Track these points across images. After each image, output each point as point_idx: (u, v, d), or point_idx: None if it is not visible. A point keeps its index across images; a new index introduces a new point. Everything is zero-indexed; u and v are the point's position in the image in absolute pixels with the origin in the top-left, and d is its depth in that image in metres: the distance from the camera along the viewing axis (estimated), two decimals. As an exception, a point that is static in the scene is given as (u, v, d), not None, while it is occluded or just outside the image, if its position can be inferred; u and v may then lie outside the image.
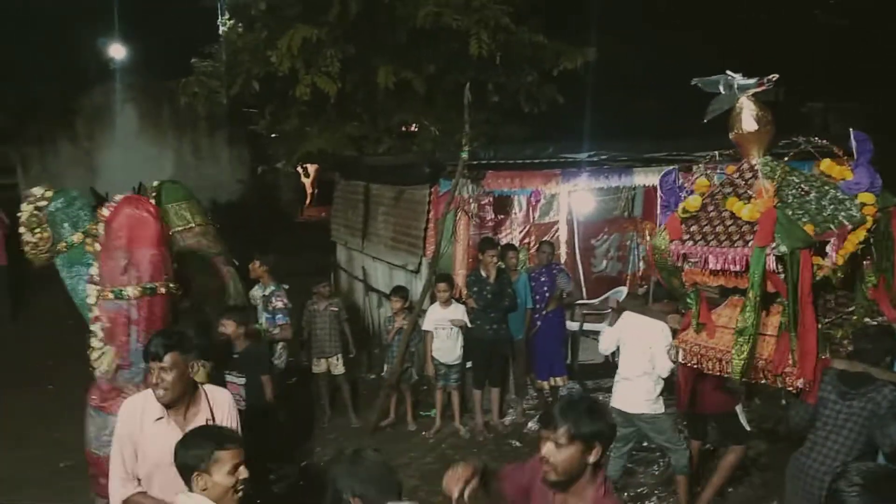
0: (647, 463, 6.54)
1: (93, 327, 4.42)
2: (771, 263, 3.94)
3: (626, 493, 6.08)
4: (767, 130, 4.30)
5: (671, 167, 5.24)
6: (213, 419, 3.35)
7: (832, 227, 3.94)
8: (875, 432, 3.94)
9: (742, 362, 4.10)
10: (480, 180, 7.94)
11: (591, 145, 8.12)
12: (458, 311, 7.31)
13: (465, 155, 7.40)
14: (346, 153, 10.76)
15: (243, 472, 2.86)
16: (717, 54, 10.93)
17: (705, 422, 5.96)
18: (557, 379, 7.89)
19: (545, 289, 7.85)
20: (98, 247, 4.39)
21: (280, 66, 9.30)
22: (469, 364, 7.56)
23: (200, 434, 2.92)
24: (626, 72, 12.47)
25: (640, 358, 5.59)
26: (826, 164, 4.25)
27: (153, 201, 5.35)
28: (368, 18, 9.58)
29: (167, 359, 3.25)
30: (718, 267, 4.16)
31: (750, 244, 3.97)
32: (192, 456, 2.80)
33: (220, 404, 3.46)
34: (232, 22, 11.55)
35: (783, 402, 5.69)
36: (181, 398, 3.33)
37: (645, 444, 6.42)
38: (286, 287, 7.29)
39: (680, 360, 4.64)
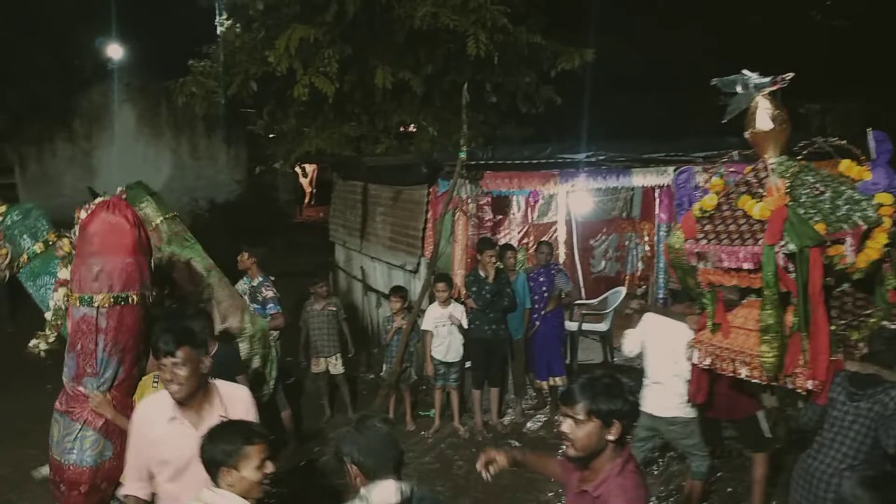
0: (645, 463, 6.53)
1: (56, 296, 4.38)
2: (780, 261, 3.94)
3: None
4: (783, 129, 4.30)
5: (685, 166, 5.23)
6: (227, 416, 3.29)
7: (846, 226, 3.94)
8: (880, 433, 3.91)
9: (773, 360, 4.08)
10: (479, 180, 7.95)
11: (590, 146, 8.13)
12: (456, 311, 7.32)
13: (463, 155, 7.41)
14: (344, 153, 10.76)
15: (270, 467, 2.86)
16: (715, 55, 10.96)
17: (719, 427, 5.89)
18: (556, 379, 7.88)
19: (544, 289, 7.85)
20: (68, 249, 4.32)
21: (278, 67, 9.29)
22: (468, 364, 7.57)
23: (228, 429, 2.89)
24: (625, 72, 12.49)
25: (665, 360, 5.45)
26: (845, 165, 4.23)
27: (125, 198, 5.31)
28: (366, 19, 9.58)
29: (180, 354, 3.19)
30: (731, 265, 4.18)
31: (760, 242, 3.97)
32: (219, 451, 2.77)
33: (235, 401, 3.41)
34: (230, 22, 11.53)
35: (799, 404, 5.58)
36: (194, 395, 3.28)
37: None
38: (272, 278, 7.26)
39: (695, 360, 4.65)
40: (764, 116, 4.28)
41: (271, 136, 12.51)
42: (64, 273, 4.32)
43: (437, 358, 7.32)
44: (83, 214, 4.26)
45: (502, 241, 9.73)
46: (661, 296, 8.81)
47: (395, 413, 7.72)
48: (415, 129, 11.03)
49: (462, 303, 7.47)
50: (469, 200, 7.97)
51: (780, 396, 5.49)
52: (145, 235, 4.28)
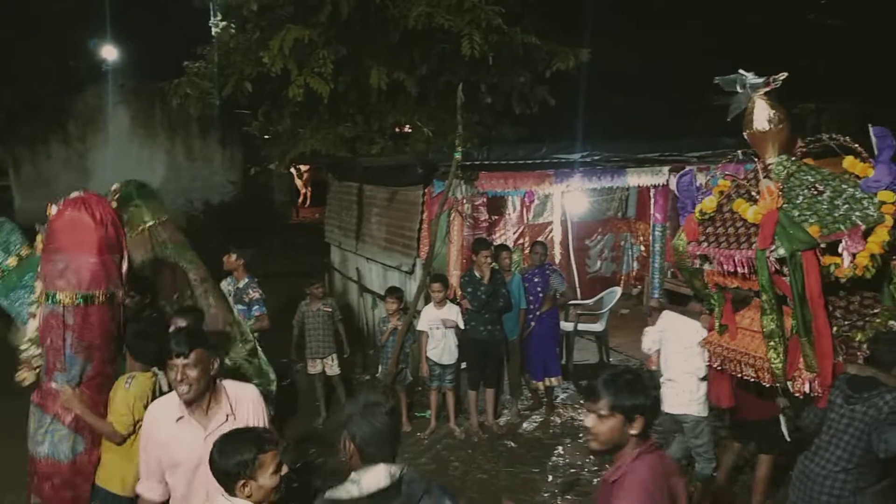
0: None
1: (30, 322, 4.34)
2: (773, 266, 3.93)
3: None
4: (780, 129, 4.28)
5: (688, 168, 5.22)
6: (234, 415, 3.32)
7: (843, 227, 3.88)
8: (873, 437, 3.88)
9: (780, 365, 4.07)
10: (474, 181, 7.95)
11: (585, 146, 8.14)
12: (452, 312, 7.30)
13: (458, 155, 7.40)
14: (339, 154, 10.75)
15: (284, 469, 2.87)
16: (710, 55, 10.97)
17: (744, 426, 5.90)
18: (552, 379, 7.88)
19: (538, 289, 7.84)
20: (40, 246, 4.30)
21: (272, 67, 9.26)
22: (464, 365, 7.56)
23: (238, 439, 2.86)
24: (619, 72, 12.48)
25: (679, 358, 5.51)
26: (849, 162, 4.21)
27: (118, 197, 5.27)
28: (360, 19, 9.55)
29: (192, 355, 3.20)
30: (728, 269, 4.18)
31: (754, 247, 3.97)
32: (234, 464, 2.75)
33: (243, 400, 3.41)
34: (224, 23, 11.50)
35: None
36: (204, 395, 3.29)
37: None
38: (258, 280, 7.22)
39: (705, 360, 4.67)
40: (761, 117, 4.28)
41: (266, 137, 12.48)
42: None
43: (433, 359, 7.31)
44: (53, 210, 4.20)
45: (498, 242, 9.74)
46: (656, 296, 8.81)
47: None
48: (410, 130, 11.01)
49: (458, 303, 7.46)
50: (464, 201, 7.98)
51: (790, 399, 5.47)
52: (114, 234, 4.20)
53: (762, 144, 4.35)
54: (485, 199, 8.64)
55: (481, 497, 6.15)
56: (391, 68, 9.72)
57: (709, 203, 4.42)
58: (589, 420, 2.84)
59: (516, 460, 6.86)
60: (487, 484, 6.40)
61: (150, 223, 5.34)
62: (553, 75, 10.41)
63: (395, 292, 7.71)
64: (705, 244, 4.36)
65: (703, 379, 5.41)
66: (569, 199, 11.19)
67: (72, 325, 4.08)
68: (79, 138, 19.16)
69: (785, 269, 3.90)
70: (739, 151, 4.59)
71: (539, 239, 10.43)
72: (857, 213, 3.94)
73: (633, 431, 2.77)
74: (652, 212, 9.13)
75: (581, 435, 7.28)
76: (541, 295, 7.86)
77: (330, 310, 7.73)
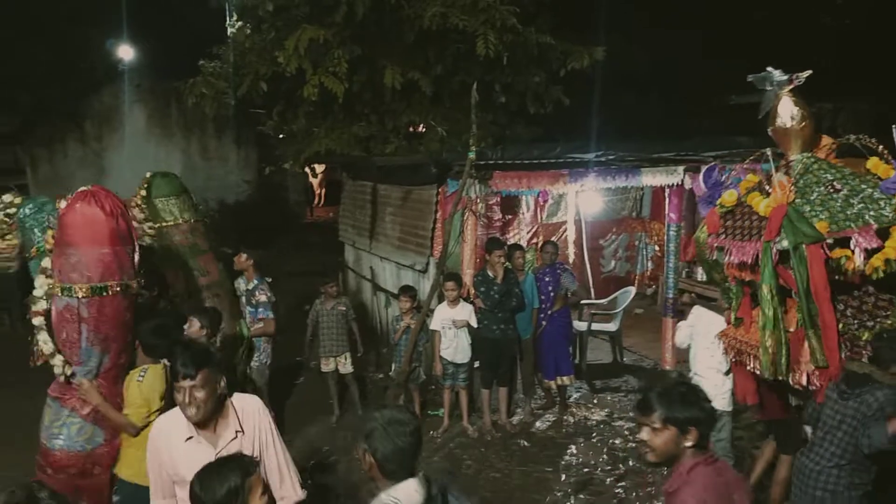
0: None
1: (35, 321, 4.37)
2: (776, 258, 3.98)
3: (637, 493, 6.08)
4: (804, 126, 4.36)
5: (712, 163, 5.30)
6: (243, 431, 3.27)
7: (853, 225, 3.92)
8: (859, 432, 3.89)
9: (768, 357, 4.11)
10: (488, 180, 7.95)
11: (599, 145, 8.13)
12: (465, 311, 7.31)
13: (472, 155, 7.41)
14: (353, 153, 10.79)
15: (265, 489, 2.84)
16: (726, 55, 10.93)
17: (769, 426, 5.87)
18: (564, 378, 7.88)
19: (550, 288, 7.84)
20: (52, 242, 4.35)
21: (287, 67, 9.31)
22: (477, 364, 7.57)
23: (220, 469, 2.75)
24: (633, 72, 12.46)
25: (706, 353, 5.59)
26: (872, 163, 4.24)
27: (142, 193, 5.34)
28: (375, 19, 9.59)
29: (199, 377, 3.13)
30: (737, 260, 4.26)
31: (762, 239, 4.02)
32: (224, 495, 2.66)
33: (250, 413, 3.35)
34: (240, 23, 11.57)
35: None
36: (213, 415, 3.23)
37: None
38: (269, 280, 7.25)
39: (721, 353, 4.72)
40: (785, 113, 4.37)
41: (281, 136, 12.54)
42: (46, 262, 4.34)
43: (446, 358, 7.32)
44: (63, 204, 4.26)
45: (511, 241, 9.74)
46: (670, 296, 8.80)
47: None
48: (424, 130, 11.04)
49: (471, 303, 7.47)
50: (478, 200, 7.98)
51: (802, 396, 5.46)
52: (125, 225, 4.26)
53: (785, 140, 4.43)
54: (499, 199, 8.63)
55: (494, 496, 6.17)
56: (406, 68, 9.75)
57: (729, 197, 4.50)
58: (643, 433, 2.86)
59: (529, 459, 6.87)
60: (500, 483, 6.41)
61: (169, 223, 5.41)
62: (567, 74, 10.41)
63: (408, 291, 7.72)
64: (723, 236, 4.47)
65: (727, 374, 5.48)
66: (583, 198, 11.18)
67: (87, 318, 4.13)
68: (95, 137, 19.30)
69: (789, 262, 3.95)
70: (769, 150, 4.62)
71: (552, 238, 10.42)
72: (871, 213, 3.96)
73: (687, 444, 2.78)
74: (667, 211, 9.12)
75: (594, 434, 7.28)
76: (552, 294, 7.85)
77: (344, 308, 7.76)
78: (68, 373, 4.22)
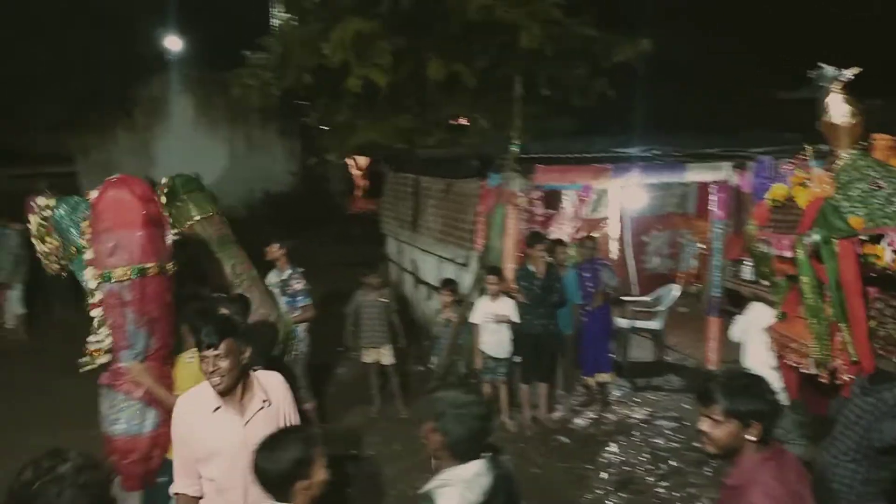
0: (696, 463, 6.44)
1: (93, 313, 4.43)
2: (809, 250, 4.03)
3: (679, 493, 6.02)
4: (853, 123, 4.38)
5: (764, 157, 5.37)
6: (270, 402, 3.33)
7: (890, 222, 3.96)
8: (872, 426, 3.82)
9: (822, 345, 4.13)
10: (530, 174, 7.90)
11: (643, 140, 8.02)
12: (506, 306, 7.27)
13: (515, 149, 7.37)
14: (396, 146, 10.81)
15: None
16: (772, 50, 10.72)
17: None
18: (604, 375, 7.82)
19: (589, 284, 7.77)
20: (88, 230, 4.43)
21: (332, 58, 9.36)
22: (517, 358, 7.53)
23: (285, 440, 2.74)
24: (679, 65, 12.29)
25: (757, 348, 5.55)
26: None
27: (166, 192, 5.40)
28: (420, 11, 9.59)
29: (223, 346, 3.19)
30: (777, 252, 4.36)
31: (797, 232, 4.09)
32: (291, 465, 2.64)
33: (275, 387, 3.42)
34: (286, 15, 11.66)
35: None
36: (236, 384, 3.29)
37: (695, 443, 6.31)
38: (302, 270, 7.28)
39: (766, 348, 4.79)
40: (836, 109, 4.40)
41: (324, 128, 12.63)
42: (89, 254, 4.43)
43: (487, 352, 7.30)
44: (94, 195, 4.35)
45: (553, 236, 9.68)
46: (715, 294, 8.66)
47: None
48: (467, 122, 11.02)
49: (513, 297, 7.44)
50: (520, 194, 7.94)
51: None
52: (156, 210, 4.37)
53: (836, 136, 4.46)
54: (541, 193, 8.58)
55: (532, 492, 6.13)
56: (449, 60, 9.74)
57: (778, 190, 4.53)
58: (705, 425, 2.74)
59: (569, 456, 6.82)
60: (539, 479, 6.38)
61: (197, 218, 5.47)
62: (612, 67, 10.31)
63: (449, 284, 7.72)
64: (769, 229, 4.54)
65: (775, 368, 5.40)
66: (626, 193, 11.06)
67: (130, 301, 4.22)
68: (144, 126, 19.65)
69: (821, 255, 3.98)
70: (810, 147, 4.61)
71: (594, 233, 10.32)
72: None
73: (750, 437, 2.66)
74: (712, 208, 8.96)
75: (635, 433, 7.21)
76: (591, 290, 7.77)
77: (386, 300, 7.77)
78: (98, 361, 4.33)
